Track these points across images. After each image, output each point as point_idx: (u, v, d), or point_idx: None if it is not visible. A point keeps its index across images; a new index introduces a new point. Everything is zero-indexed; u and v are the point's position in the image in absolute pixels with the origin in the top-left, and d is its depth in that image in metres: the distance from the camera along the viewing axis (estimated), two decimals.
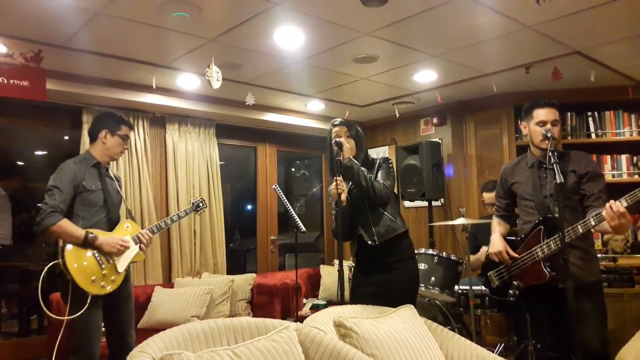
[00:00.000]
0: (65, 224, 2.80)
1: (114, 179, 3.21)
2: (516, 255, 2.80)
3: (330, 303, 4.85)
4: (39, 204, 2.82)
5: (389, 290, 2.81)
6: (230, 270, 5.21)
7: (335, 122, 3.00)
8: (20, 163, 5.33)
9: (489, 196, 4.26)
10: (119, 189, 3.21)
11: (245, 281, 4.75)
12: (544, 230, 2.70)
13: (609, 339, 3.12)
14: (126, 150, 3.25)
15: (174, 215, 3.36)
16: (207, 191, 5.08)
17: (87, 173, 2.99)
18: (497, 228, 3.02)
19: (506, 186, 3.00)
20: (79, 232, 2.82)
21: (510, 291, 2.89)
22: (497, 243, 2.90)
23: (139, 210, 4.56)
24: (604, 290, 3.49)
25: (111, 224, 3.04)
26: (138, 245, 3.07)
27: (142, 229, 3.18)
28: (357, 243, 2.96)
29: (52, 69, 3.74)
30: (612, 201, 2.42)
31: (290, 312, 4.60)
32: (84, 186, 2.94)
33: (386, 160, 2.99)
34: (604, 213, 2.43)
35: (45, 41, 3.34)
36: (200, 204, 3.54)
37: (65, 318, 2.79)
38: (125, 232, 3.07)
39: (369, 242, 2.85)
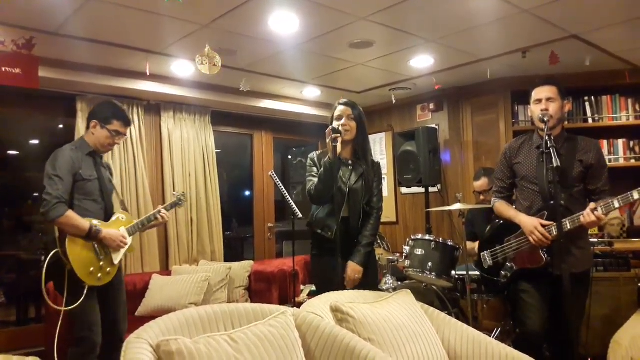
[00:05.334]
0: (72, 216, 2.78)
1: (107, 168, 3.18)
2: (549, 223, 2.66)
3: None
4: (43, 195, 2.76)
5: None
6: (228, 259, 5.21)
7: (341, 101, 3.00)
8: (14, 152, 5.29)
9: (476, 184, 4.24)
10: (110, 178, 3.18)
11: (242, 268, 4.75)
12: (547, 216, 2.68)
13: (605, 322, 3.13)
14: (117, 146, 3.16)
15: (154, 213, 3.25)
16: (203, 179, 5.06)
17: (84, 161, 2.96)
18: (511, 209, 2.86)
19: (510, 164, 2.90)
20: (84, 224, 2.81)
21: (502, 272, 2.88)
22: (527, 221, 2.71)
23: (134, 198, 4.54)
24: (600, 275, 3.50)
25: (106, 214, 3.03)
26: (132, 237, 3.06)
27: (138, 218, 3.19)
28: (339, 225, 2.85)
29: (45, 56, 3.69)
30: (590, 209, 2.52)
31: (287, 298, 4.60)
32: (82, 175, 2.91)
33: (380, 169, 3.11)
34: (581, 219, 2.54)
35: (37, 28, 3.29)
36: (182, 198, 3.51)
37: (66, 309, 2.76)
38: (120, 223, 3.06)
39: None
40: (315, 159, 2.99)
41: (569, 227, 2.58)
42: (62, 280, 2.77)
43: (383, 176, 5.88)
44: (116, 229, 3.00)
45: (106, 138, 3.02)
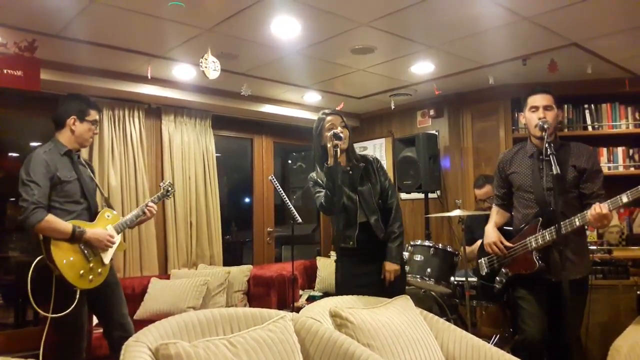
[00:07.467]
0: (52, 220, 2.67)
1: (86, 165, 3.07)
2: (511, 245, 2.81)
3: (326, 295, 4.85)
4: (19, 202, 2.65)
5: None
6: (227, 263, 5.20)
7: (328, 112, 3.02)
8: (15, 154, 5.30)
9: (480, 192, 4.25)
10: (92, 176, 3.09)
11: (241, 273, 4.75)
12: (542, 221, 2.70)
13: (604, 329, 3.11)
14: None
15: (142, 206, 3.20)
16: (203, 183, 5.06)
17: (60, 163, 2.84)
18: (494, 218, 3.01)
19: (504, 175, 2.97)
20: (67, 227, 2.70)
21: (497, 278, 2.92)
22: (490, 233, 2.91)
23: (134, 201, 4.55)
24: (599, 282, 3.47)
25: (91, 214, 2.94)
26: (121, 234, 3.00)
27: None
28: (357, 230, 2.93)
29: (47, 58, 3.70)
30: (596, 205, 2.49)
31: (286, 303, 4.60)
32: (59, 177, 2.79)
33: (381, 164, 3.11)
34: (588, 215, 2.50)
35: (39, 30, 3.31)
36: (170, 188, 3.40)
37: (56, 315, 2.66)
38: (106, 221, 2.97)
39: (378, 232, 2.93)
40: (317, 178, 3.01)
41: (577, 223, 2.56)
42: (50, 286, 2.67)
43: None
44: (102, 227, 2.91)
45: (88, 130, 2.98)
